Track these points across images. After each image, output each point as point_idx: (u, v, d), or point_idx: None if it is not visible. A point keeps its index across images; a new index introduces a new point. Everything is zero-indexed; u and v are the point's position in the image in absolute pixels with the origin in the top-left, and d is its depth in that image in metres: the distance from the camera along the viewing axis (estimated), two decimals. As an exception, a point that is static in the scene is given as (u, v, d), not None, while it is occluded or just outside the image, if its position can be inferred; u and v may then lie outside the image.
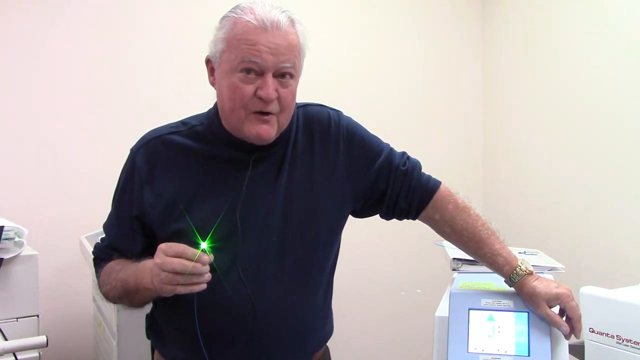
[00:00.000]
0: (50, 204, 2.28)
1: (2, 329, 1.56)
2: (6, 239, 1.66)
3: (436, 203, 1.32)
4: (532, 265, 1.34)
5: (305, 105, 1.31)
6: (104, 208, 2.29)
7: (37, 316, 1.72)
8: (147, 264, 1.12)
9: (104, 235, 1.34)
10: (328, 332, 1.36)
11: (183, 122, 1.28)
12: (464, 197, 1.36)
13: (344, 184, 1.27)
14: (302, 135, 1.27)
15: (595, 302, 1.31)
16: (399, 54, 2.96)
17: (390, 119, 2.80)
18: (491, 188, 3.09)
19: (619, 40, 2.35)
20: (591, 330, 1.31)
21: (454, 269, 1.49)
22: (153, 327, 1.34)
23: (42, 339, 1.48)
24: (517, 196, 2.91)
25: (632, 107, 2.30)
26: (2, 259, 1.66)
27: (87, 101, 2.35)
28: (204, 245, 1.05)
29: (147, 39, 2.44)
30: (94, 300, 2.14)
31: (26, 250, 1.72)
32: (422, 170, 1.35)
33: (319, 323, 1.31)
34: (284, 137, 1.24)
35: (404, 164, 1.32)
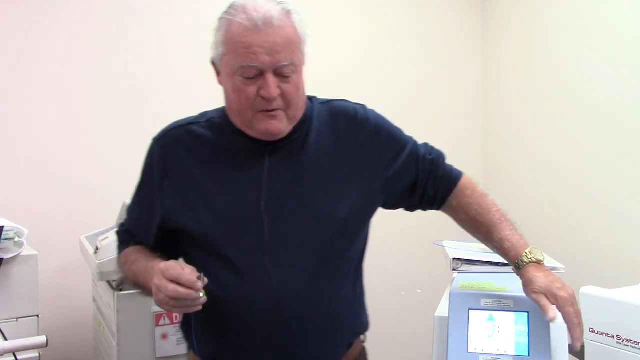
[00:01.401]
0: (50, 204, 2.28)
1: (2, 329, 1.57)
2: (6, 239, 1.66)
3: (457, 191, 1.35)
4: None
5: (329, 101, 1.32)
6: (104, 208, 2.31)
7: (37, 316, 1.73)
8: (155, 267, 1.13)
9: (125, 218, 1.37)
10: (361, 324, 1.34)
11: (202, 114, 1.30)
12: (483, 188, 1.40)
13: (371, 176, 1.27)
14: (327, 129, 1.27)
15: (595, 302, 1.31)
16: (399, 54, 2.96)
17: (390, 119, 2.80)
18: (491, 188, 3.06)
19: (618, 39, 2.35)
20: (591, 330, 1.31)
21: (454, 269, 1.49)
22: (185, 323, 1.33)
23: (42, 339, 1.48)
24: (517, 196, 2.91)
25: (633, 107, 2.30)
26: (2, 259, 1.66)
27: (87, 101, 2.35)
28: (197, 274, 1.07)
29: (147, 39, 2.44)
30: (94, 300, 2.14)
31: (26, 250, 1.72)
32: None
33: (348, 314, 1.28)
34: (300, 127, 1.24)
35: (430, 154, 1.35)
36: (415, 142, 1.36)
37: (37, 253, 1.74)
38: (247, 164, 1.22)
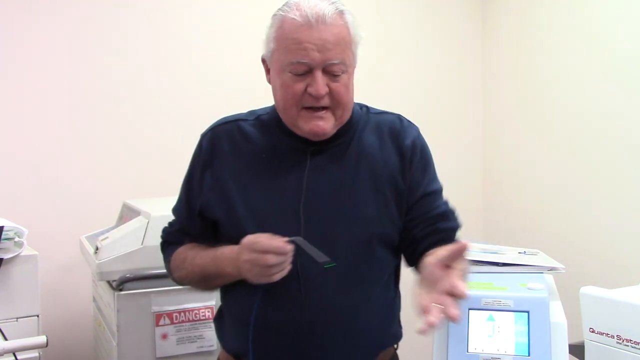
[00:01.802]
0: (50, 204, 2.28)
1: (2, 329, 1.56)
2: (6, 239, 1.66)
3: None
4: (532, 265, 1.34)
5: (382, 113, 1.33)
6: (104, 208, 2.31)
7: (37, 316, 1.72)
8: (226, 252, 1.18)
9: (172, 219, 1.37)
10: (390, 336, 1.32)
11: (251, 112, 1.32)
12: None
13: (404, 194, 1.25)
14: (373, 140, 1.26)
15: (595, 302, 1.31)
16: (398, 54, 2.96)
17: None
18: (491, 188, 3.09)
19: (618, 41, 2.35)
20: (591, 330, 1.31)
21: (454, 269, 1.48)
22: (219, 320, 1.35)
23: (42, 339, 1.48)
24: (517, 196, 2.91)
25: (632, 108, 2.30)
26: (2, 259, 1.66)
27: (87, 101, 2.35)
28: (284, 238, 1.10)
29: (146, 41, 2.44)
30: (94, 300, 2.14)
31: (26, 250, 1.71)
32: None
33: (376, 324, 1.26)
34: (345, 132, 1.24)
35: (443, 210, 1.29)
36: (442, 191, 1.33)
37: (37, 253, 1.74)
38: (289, 164, 1.23)
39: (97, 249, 1.80)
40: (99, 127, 2.37)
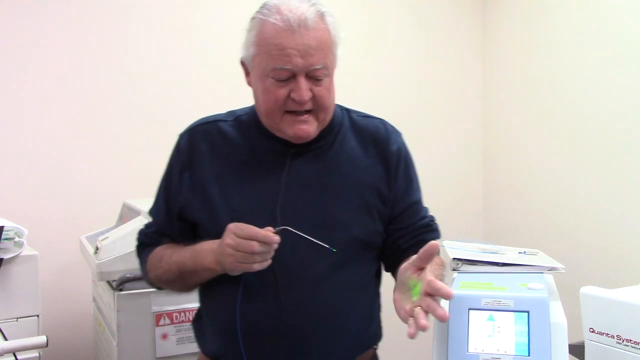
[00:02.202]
0: (50, 204, 2.28)
1: (2, 329, 1.56)
2: (6, 239, 1.66)
3: None
4: (532, 265, 1.34)
5: (365, 117, 1.32)
6: (104, 208, 2.31)
7: (37, 316, 1.72)
8: (206, 245, 1.16)
9: (149, 221, 1.35)
10: (370, 335, 1.31)
11: (230, 112, 1.31)
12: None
13: (387, 198, 1.26)
14: (355, 143, 1.26)
15: (595, 302, 1.31)
16: (399, 54, 2.96)
17: (389, 119, 2.79)
18: (491, 188, 3.09)
19: (618, 41, 2.35)
20: (591, 330, 1.31)
21: (454, 269, 1.48)
22: (197, 322, 1.34)
23: (42, 339, 1.48)
24: (517, 196, 2.91)
25: (632, 108, 2.30)
26: (2, 259, 1.66)
27: (87, 101, 2.36)
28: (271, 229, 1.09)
29: (147, 40, 2.44)
30: (94, 300, 2.14)
31: (26, 250, 1.72)
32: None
33: (356, 324, 1.26)
34: (326, 135, 1.24)
35: (428, 222, 1.31)
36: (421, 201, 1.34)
37: (37, 253, 1.74)
38: (268, 166, 1.22)
39: (97, 249, 1.80)
40: (99, 127, 2.37)
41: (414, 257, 1.04)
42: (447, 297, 0.97)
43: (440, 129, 3.06)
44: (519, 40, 2.89)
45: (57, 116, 2.31)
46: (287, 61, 1.10)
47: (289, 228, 1.10)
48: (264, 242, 1.07)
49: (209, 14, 2.48)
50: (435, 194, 2.69)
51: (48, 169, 2.29)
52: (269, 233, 1.07)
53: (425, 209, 1.34)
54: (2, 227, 1.66)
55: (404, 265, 1.06)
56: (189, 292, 1.30)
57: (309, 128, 1.17)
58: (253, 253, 1.07)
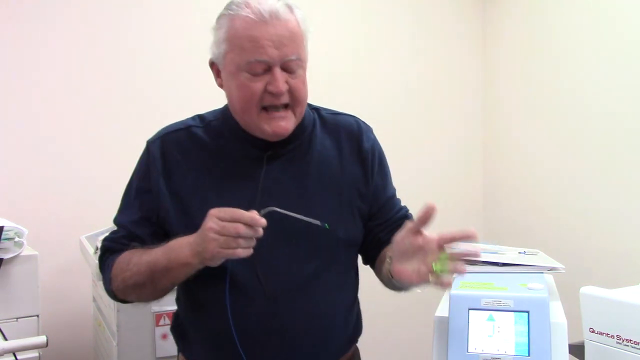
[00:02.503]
0: (50, 204, 2.28)
1: (2, 329, 1.56)
2: (6, 239, 1.66)
3: None
4: (532, 265, 1.34)
5: (336, 114, 1.31)
6: (104, 208, 2.29)
7: (37, 316, 1.72)
8: (181, 240, 1.11)
9: (113, 229, 1.31)
10: (352, 333, 1.32)
11: (200, 117, 1.28)
12: None
13: (366, 195, 1.27)
14: (330, 142, 1.25)
15: (595, 302, 1.31)
16: (399, 54, 2.96)
17: (390, 119, 2.80)
18: (491, 188, 3.09)
19: (619, 41, 2.35)
20: (591, 330, 1.31)
21: (454, 269, 1.48)
22: (177, 328, 1.31)
23: (42, 339, 1.48)
24: (517, 196, 2.91)
25: (633, 107, 2.30)
26: (2, 259, 1.66)
27: (87, 101, 2.35)
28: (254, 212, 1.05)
29: (148, 40, 2.44)
30: (94, 300, 2.14)
31: (26, 250, 1.72)
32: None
33: (341, 325, 1.27)
34: (299, 135, 1.23)
35: (405, 212, 1.35)
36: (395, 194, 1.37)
37: (37, 253, 1.74)
38: (244, 171, 1.20)
39: (97, 249, 1.80)
40: (99, 127, 2.37)
41: (410, 223, 1.07)
42: (472, 236, 1.03)
43: (440, 128, 3.06)
44: (519, 39, 2.88)
45: (57, 116, 2.31)
46: (262, 52, 1.09)
47: (275, 209, 1.08)
48: (250, 224, 1.03)
49: (208, 14, 2.48)
50: (435, 194, 2.70)
51: (48, 169, 2.29)
52: (254, 215, 1.03)
53: (399, 200, 1.36)
54: (2, 227, 1.66)
55: (399, 234, 1.09)
56: (158, 298, 1.23)
57: (287, 124, 1.16)
58: (239, 236, 1.02)
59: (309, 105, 1.29)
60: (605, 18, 2.41)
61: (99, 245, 1.82)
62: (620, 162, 2.35)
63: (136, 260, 1.17)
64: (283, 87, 1.12)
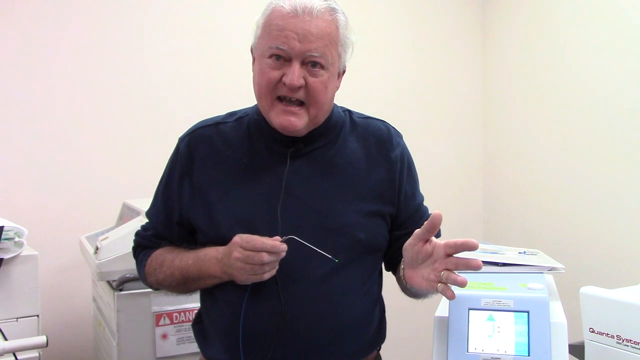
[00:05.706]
0: (50, 204, 2.28)
1: (2, 329, 1.56)
2: (6, 239, 1.66)
3: None
4: (532, 265, 1.34)
5: (367, 118, 1.31)
6: (104, 208, 2.31)
7: (37, 316, 1.72)
8: (210, 253, 1.17)
9: (147, 222, 1.35)
10: (374, 339, 1.29)
11: (230, 114, 1.30)
12: None
13: (391, 201, 1.26)
14: (358, 145, 1.25)
15: (595, 302, 1.31)
16: (398, 53, 2.96)
17: (389, 119, 2.78)
18: (491, 188, 3.09)
19: (619, 40, 2.35)
20: (591, 330, 1.31)
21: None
22: (198, 325, 1.33)
23: (42, 339, 1.48)
24: (517, 196, 2.91)
25: (633, 107, 2.30)
26: (2, 259, 1.66)
27: (87, 101, 2.35)
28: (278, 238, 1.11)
29: (151, 40, 2.44)
30: (94, 300, 2.14)
31: (26, 250, 1.71)
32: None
33: (359, 328, 1.24)
34: (326, 135, 1.23)
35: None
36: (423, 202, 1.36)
37: (37, 253, 1.74)
38: (268, 168, 1.20)
39: (97, 249, 1.80)
40: (99, 127, 2.37)
41: (418, 231, 1.07)
42: (472, 247, 1.02)
43: (440, 128, 3.06)
44: (519, 39, 2.89)
45: (58, 116, 2.31)
46: (284, 42, 1.10)
47: (295, 237, 1.11)
48: (272, 252, 1.08)
49: (218, 15, 2.49)
50: (435, 194, 2.69)
51: (48, 169, 2.29)
52: (276, 242, 1.09)
53: (426, 208, 1.35)
54: (2, 227, 1.65)
55: (409, 241, 1.10)
56: (190, 294, 1.31)
57: (297, 121, 1.15)
58: (262, 264, 1.08)
59: (342, 107, 1.30)
60: (605, 18, 2.41)
61: (99, 245, 1.83)
62: (621, 162, 2.35)
63: (168, 264, 1.24)
64: (297, 81, 1.11)
